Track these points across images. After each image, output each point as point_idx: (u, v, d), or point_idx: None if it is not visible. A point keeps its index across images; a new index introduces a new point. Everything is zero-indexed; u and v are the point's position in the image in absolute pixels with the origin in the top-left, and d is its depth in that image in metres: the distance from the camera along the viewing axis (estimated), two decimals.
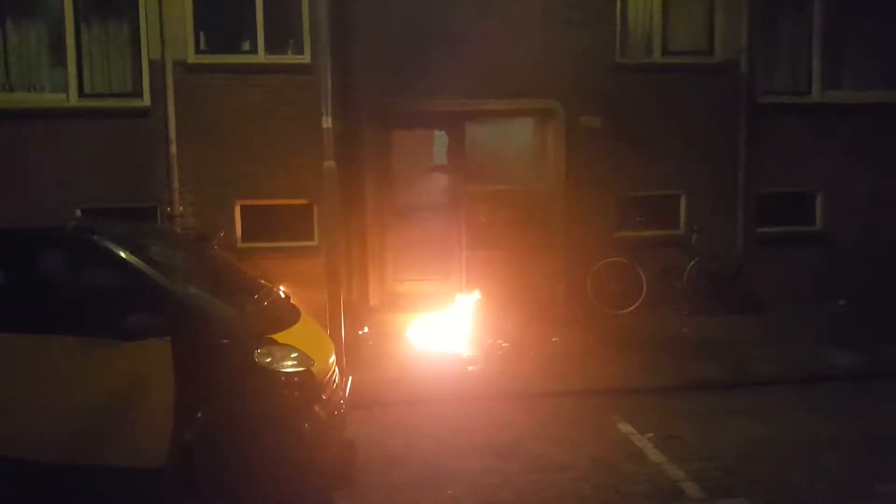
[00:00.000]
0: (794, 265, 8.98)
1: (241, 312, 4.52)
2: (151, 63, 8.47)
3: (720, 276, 8.74)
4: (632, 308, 8.77)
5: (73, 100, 8.42)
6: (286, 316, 4.93)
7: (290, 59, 8.68)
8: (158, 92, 8.47)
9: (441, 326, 8.17)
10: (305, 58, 8.60)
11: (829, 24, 9.05)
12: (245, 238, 8.80)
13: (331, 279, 6.98)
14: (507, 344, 7.61)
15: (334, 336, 6.73)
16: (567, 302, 8.82)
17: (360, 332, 8.19)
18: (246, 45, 8.70)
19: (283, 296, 5.55)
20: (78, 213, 8.39)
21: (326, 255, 6.97)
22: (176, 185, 8.54)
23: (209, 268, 5.47)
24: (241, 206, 8.77)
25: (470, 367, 6.98)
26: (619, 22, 8.80)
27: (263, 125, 8.58)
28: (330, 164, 6.64)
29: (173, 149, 8.49)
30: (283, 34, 8.76)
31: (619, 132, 8.80)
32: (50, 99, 8.43)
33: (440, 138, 9.65)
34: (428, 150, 9.69)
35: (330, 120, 6.65)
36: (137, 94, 8.56)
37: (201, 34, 8.67)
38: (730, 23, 8.88)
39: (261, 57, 8.61)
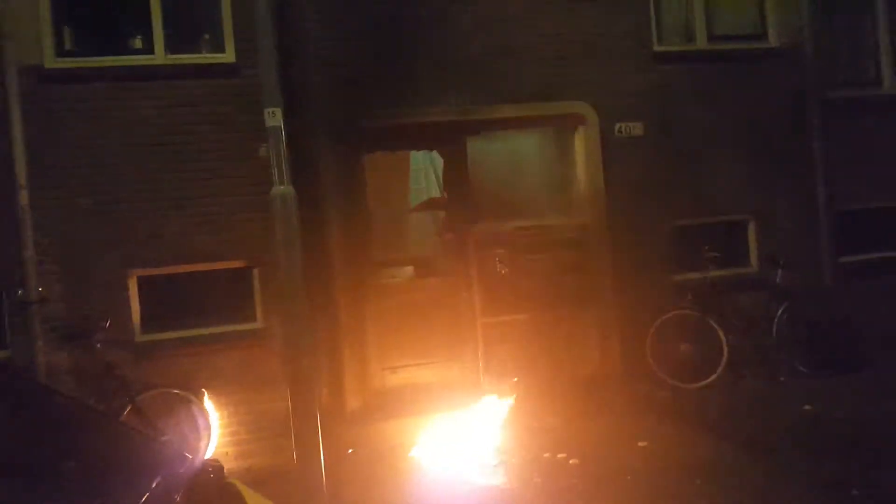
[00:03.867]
0: (888, 300, 6.78)
1: None
2: None
3: (820, 325, 6.37)
4: (712, 378, 6.18)
5: None
6: None
7: (204, 58, 5.74)
8: None
9: (462, 436, 5.30)
10: (227, 55, 5.72)
11: None
12: (147, 327, 5.60)
13: (297, 377, 4.20)
14: (575, 460, 4.82)
15: (309, 476, 3.91)
16: (623, 376, 6.17)
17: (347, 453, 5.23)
18: (136, 42, 5.69)
19: (206, 468, 2.51)
20: None
21: (288, 339, 4.12)
22: (30, 252, 5.30)
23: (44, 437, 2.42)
24: (139, 278, 5.62)
25: None
26: (652, 1, 6.54)
27: (169, 155, 5.58)
28: (283, 190, 3.81)
29: (24, 198, 5.29)
30: (192, 25, 5.85)
31: (664, 141, 6.43)
32: None
33: (419, 165, 7.02)
34: (403, 180, 7.01)
35: (279, 115, 3.84)
36: None
37: (65, 29, 5.63)
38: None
39: (159, 57, 5.63)
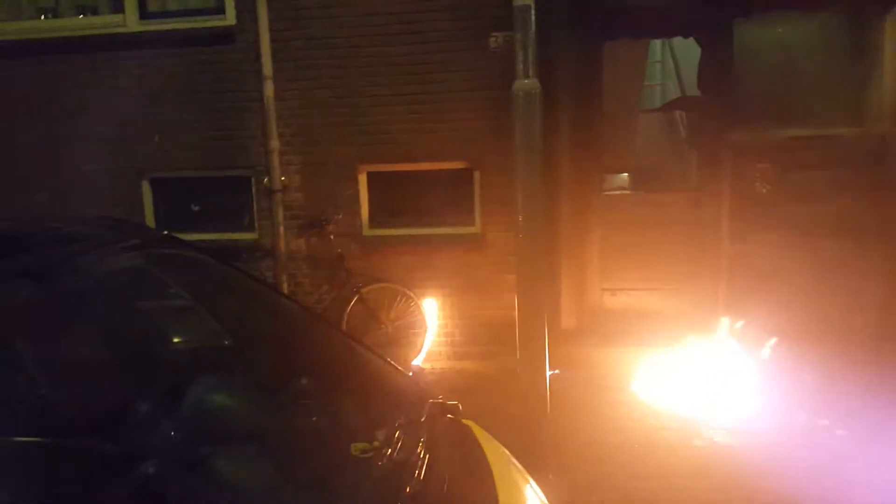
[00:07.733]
0: None
1: None
2: None
3: None
4: None
5: (133, 23, 5.54)
6: None
7: None
8: (245, 3, 5.41)
9: (695, 379, 4.51)
10: None
11: None
12: (373, 222, 5.57)
13: (526, 290, 3.79)
14: (843, 432, 3.76)
15: (532, 392, 3.55)
16: None
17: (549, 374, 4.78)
18: None
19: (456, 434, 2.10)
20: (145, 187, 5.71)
21: (521, 250, 3.65)
22: (275, 143, 5.46)
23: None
24: (369, 174, 5.55)
25: None
26: None
27: (400, 47, 5.22)
28: (528, 84, 3.18)
29: (269, 89, 5.39)
30: None
31: None
32: (103, 23, 5.63)
33: (655, 58, 5.88)
34: (639, 75, 5.94)
35: None
36: (217, 8, 5.53)
37: None
38: None
39: None
